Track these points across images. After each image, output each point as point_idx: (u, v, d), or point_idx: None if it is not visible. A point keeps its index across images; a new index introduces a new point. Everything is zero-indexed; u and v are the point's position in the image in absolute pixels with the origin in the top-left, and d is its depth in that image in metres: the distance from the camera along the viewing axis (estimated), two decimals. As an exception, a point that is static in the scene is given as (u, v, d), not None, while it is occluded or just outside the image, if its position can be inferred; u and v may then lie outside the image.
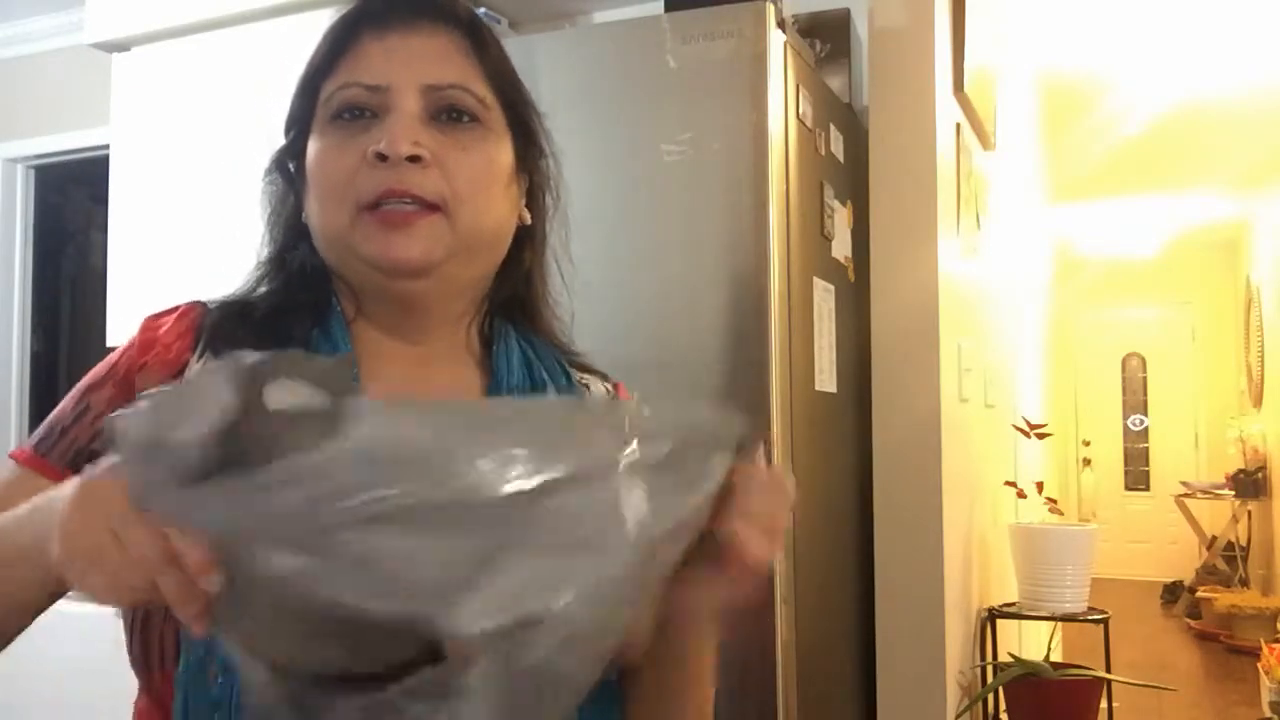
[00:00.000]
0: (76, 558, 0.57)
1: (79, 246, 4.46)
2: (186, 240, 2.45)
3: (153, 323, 0.84)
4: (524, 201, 0.89)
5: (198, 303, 0.86)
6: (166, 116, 2.55)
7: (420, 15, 0.83)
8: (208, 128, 2.44)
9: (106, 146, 2.68)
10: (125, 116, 2.62)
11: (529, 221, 0.90)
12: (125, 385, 0.81)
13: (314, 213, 0.83)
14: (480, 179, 0.82)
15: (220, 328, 0.83)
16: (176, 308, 0.85)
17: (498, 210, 0.84)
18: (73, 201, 4.36)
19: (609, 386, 0.96)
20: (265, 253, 0.89)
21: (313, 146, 0.83)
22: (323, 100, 0.83)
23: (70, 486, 0.60)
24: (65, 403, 0.83)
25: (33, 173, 3.82)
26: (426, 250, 0.79)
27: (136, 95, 2.60)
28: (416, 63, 0.81)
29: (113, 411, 0.77)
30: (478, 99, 0.83)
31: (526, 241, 0.90)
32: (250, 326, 0.83)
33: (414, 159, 0.78)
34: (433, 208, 0.79)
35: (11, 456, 0.81)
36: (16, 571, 0.67)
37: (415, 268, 0.79)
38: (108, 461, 0.56)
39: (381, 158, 0.78)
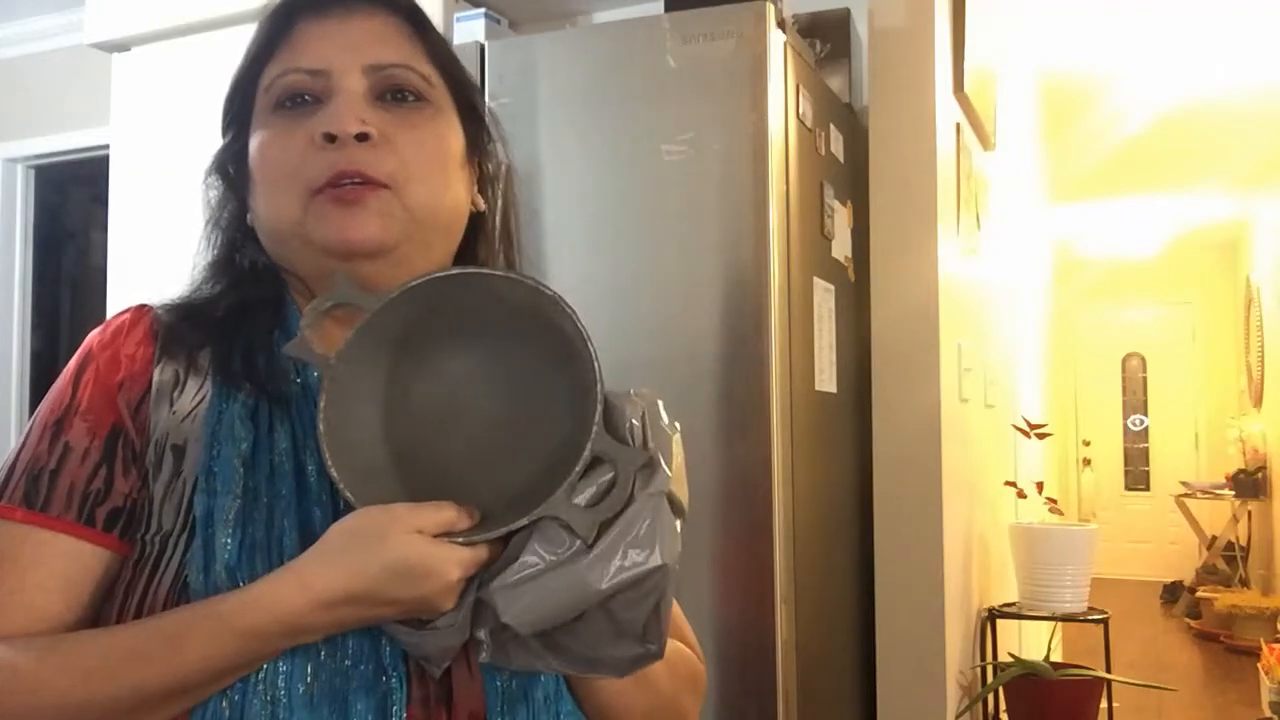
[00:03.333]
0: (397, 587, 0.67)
1: (79, 246, 4.47)
2: (186, 240, 2.45)
3: (104, 340, 0.79)
4: (476, 189, 0.87)
5: (144, 307, 0.82)
6: (166, 116, 2.55)
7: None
8: (208, 128, 2.44)
9: (106, 146, 2.68)
10: (125, 116, 2.62)
11: (483, 208, 0.88)
12: (105, 409, 0.76)
13: (261, 206, 0.81)
14: (431, 157, 0.80)
15: (175, 331, 0.80)
16: (119, 318, 0.81)
17: (452, 191, 0.82)
18: (73, 201, 4.36)
19: None
20: (205, 259, 0.86)
21: (255, 138, 0.81)
22: (262, 90, 0.81)
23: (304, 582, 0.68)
24: (33, 445, 0.76)
25: (33, 173, 3.83)
26: (382, 228, 0.77)
27: (136, 95, 2.60)
28: (357, 44, 0.80)
29: (100, 443, 0.75)
30: (422, 77, 0.81)
31: (480, 231, 0.89)
32: (206, 329, 0.80)
33: (362, 137, 0.76)
34: (383, 185, 0.77)
35: None
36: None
37: (371, 246, 0.77)
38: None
39: (329, 138, 0.76)
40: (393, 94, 0.80)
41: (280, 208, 0.79)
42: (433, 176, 0.80)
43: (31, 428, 0.78)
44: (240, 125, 0.83)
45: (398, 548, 0.66)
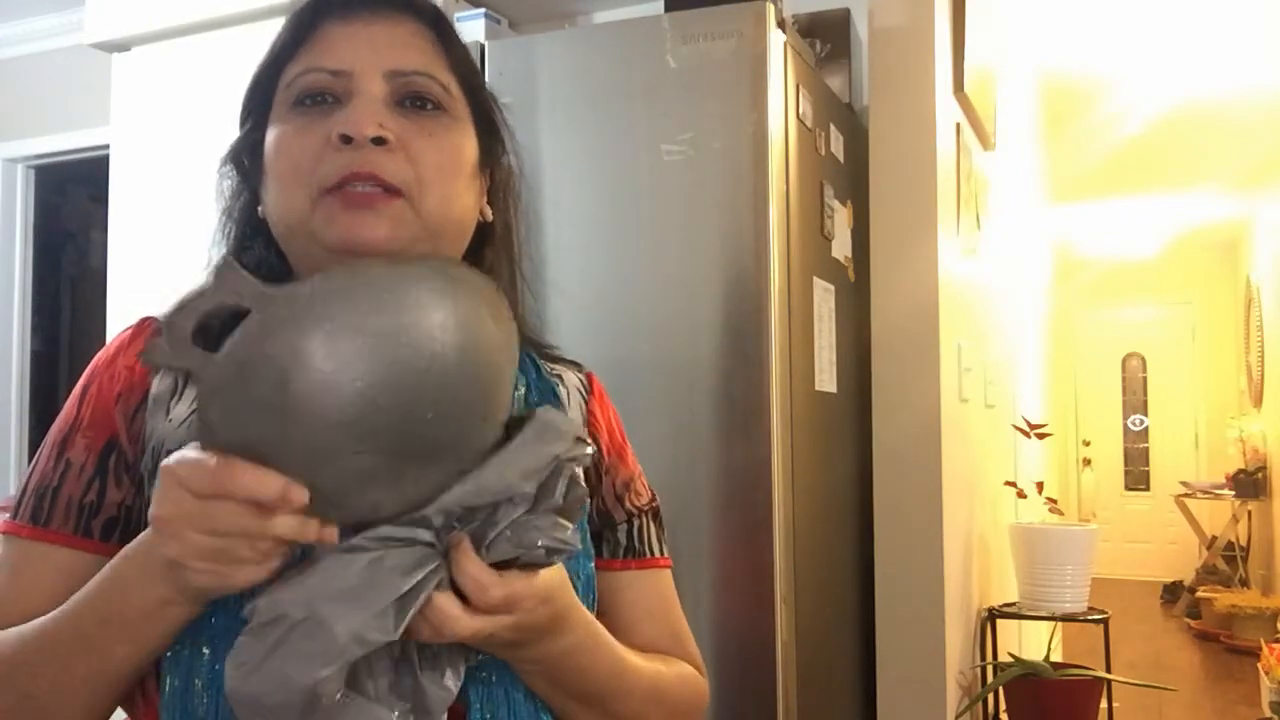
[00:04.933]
0: (189, 564, 0.63)
1: (79, 246, 4.47)
2: (186, 240, 2.45)
3: (107, 357, 0.82)
4: (485, 198, 0.88)
5: (146, 320, 0.83)
6: (166, 116, 2.55)
7: (384, 4, 0.82)
8: (208, 128, 2.44)
9: (106, 146, 2.68)
10: (125, 116, 2.62)
11: (490, 218, 0.88)
12: (103, 424, 0.79)
13: (273, 200, 0.81)
14: (446, 165, 0.80)
15: None
16: (122, 335, 0.84)
17: (463, 199, 0.82)
18: (73, 201, 4.37)
19: (581, 377, 0.95)
20: (219, 251, 0.86)
21: (272, 133, 0.81)
22: (283, 86, 0.81)
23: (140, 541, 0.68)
24: (41, 465, 0.80)
25: (33, 173, 3.83)
26: (392, 231, 0.77)
27: (136, 95, 2.60)
28: (380, 49, 0.80)
29: (95, 457, 0.78)
30: (442, 86, 0.82)
31: (488, 239, 0.89)
32: (209, 333, 0.82)
33: (379, 141, 0.76)
34: (396, 192, 0.77)
35: (3, 532, 0.79)
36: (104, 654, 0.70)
37: (380, 248, 0.77)
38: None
39: (346, 139, 0.76)
40: (412, 101, 0.80)
41: (290, 203, 0.79)
42: (446, 185, 0.80)
43: (43, 448, 0.81)
44: (258, 118, 0.84)
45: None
